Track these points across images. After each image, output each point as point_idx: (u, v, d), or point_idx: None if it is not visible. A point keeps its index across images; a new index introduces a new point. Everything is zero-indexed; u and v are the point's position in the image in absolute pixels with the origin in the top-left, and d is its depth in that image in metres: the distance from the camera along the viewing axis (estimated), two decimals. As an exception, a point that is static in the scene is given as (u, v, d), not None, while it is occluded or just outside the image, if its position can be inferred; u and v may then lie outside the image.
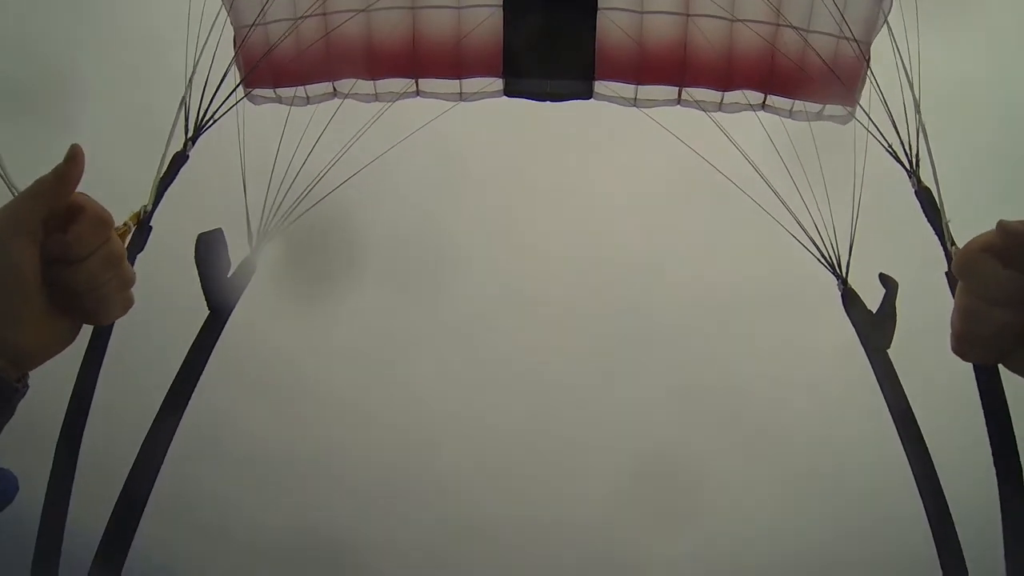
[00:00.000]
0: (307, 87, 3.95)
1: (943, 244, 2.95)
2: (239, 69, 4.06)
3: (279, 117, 3.99)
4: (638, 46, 4.49)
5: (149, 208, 3.11)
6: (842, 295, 3.40)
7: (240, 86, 4.01)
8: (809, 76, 4.49)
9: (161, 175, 3.23)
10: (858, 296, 3.32)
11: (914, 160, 3.49)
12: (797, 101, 4.70)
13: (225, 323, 3.13)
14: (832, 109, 4.74)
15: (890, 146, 3.65)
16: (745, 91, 4.78)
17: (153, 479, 2.75)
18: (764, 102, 4.78)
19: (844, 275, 3.51)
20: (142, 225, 3.06)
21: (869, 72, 4.40)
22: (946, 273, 2.84)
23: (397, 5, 3.93)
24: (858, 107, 4.43)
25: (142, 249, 2.98)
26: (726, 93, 4.82)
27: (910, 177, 3.45)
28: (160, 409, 2.89)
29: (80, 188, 1.06)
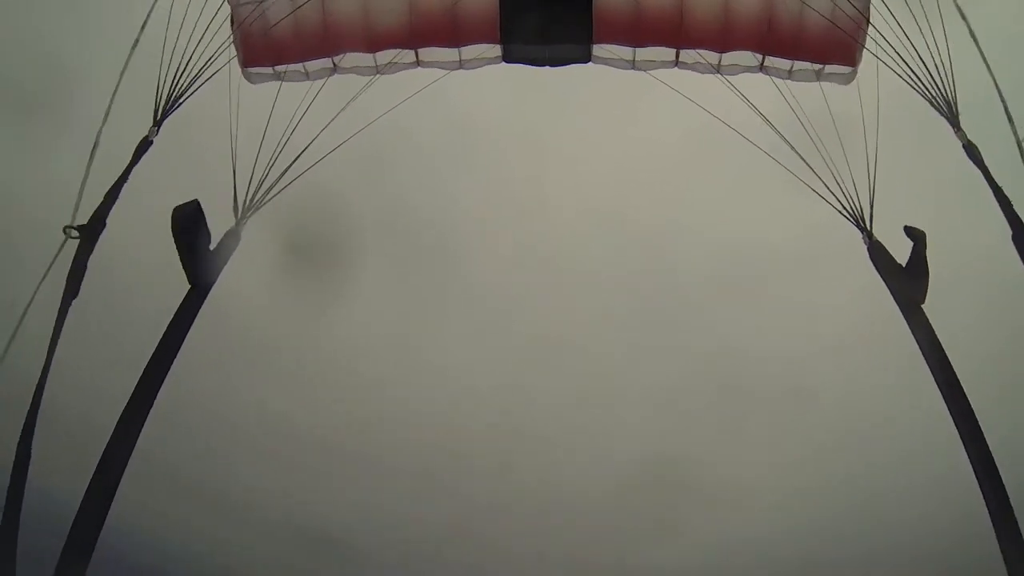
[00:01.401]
0: (306, 63, 3.93)
1: (999, 200, 2.94)
2: (236, 48, 4.04)
3: (267, 89, 3.97)
4: (635, 8, 4.47)
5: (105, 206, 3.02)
6: (868, 249, 3.35)
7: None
8: (807, 36, 4.43)
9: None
10: (885, 249, 3.27)
11: (956, 111, 3.47)
12: (796, 62, 4.66)
13: (205, 297, 3.08)
14: (832, 68, 4.68)
15: (934, 99, 3.60)
16: (743, 52, 4.75)
17: (127, 456, 2.68)
18: (763, 64, 4.74)
19: (869, 227, 3.46)
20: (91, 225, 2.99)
21: (917, 27, 4.32)
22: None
23: (392, -25, 3.91)
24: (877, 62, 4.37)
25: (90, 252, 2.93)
26: (724, 54, 4.79)
27: (956, 131, 3.41)
28: (137, 385, 2.81)
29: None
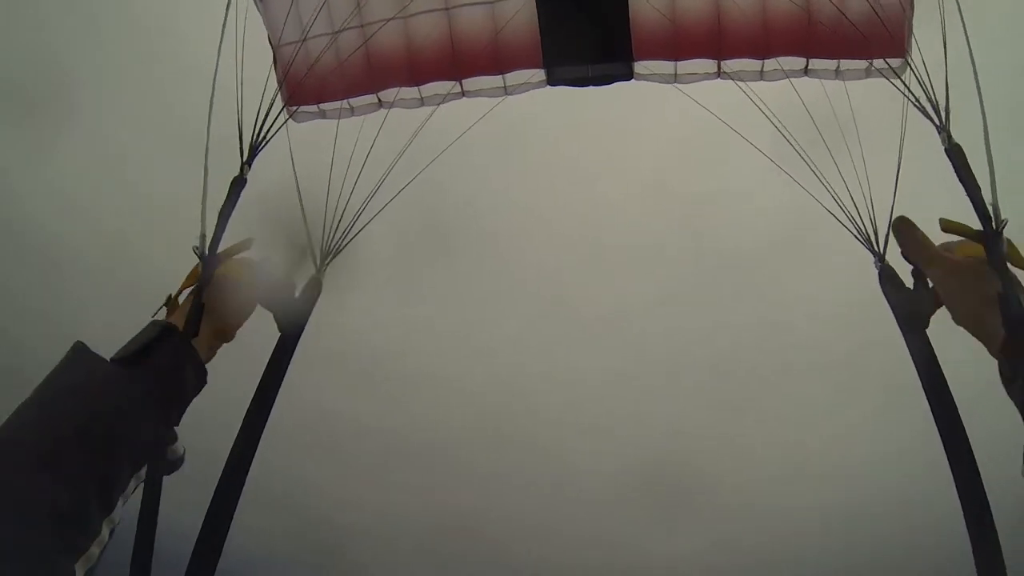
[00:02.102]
0: (351, 100, 3.95)
1: (976, 207, 2.66)
2: (280, 88, 4.07)
3: (323, 133, 3.99)
4: (672, 22, 4.42)
5: (208, 244, 3.02)
6: (879, 273, 3.08)
7: (284, 104, 4.00)
8: (851, 31, 4.29)
9: (221, 204, 3.14)
10: (896, 275, 3.00)
11: (944, 115, 3.22)
12: (843, 60, 4.52)
13: (296, 344, 3.09)
14: (880, 63, 4.51)
15: (917, 100, 3.41)
16: (786, 57, 4.64)
17: (239, 492, 2.70)
18: (807, 67, 4.62)
19: (883, 252, 3.22)
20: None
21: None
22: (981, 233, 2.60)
23: (431, 8, 3.92)
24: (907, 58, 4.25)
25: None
26: (766, 61, 4.70)
27: (940, 133, 3.15)
28: (240, 430, 2.84)
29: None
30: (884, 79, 4.03)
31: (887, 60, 4.34)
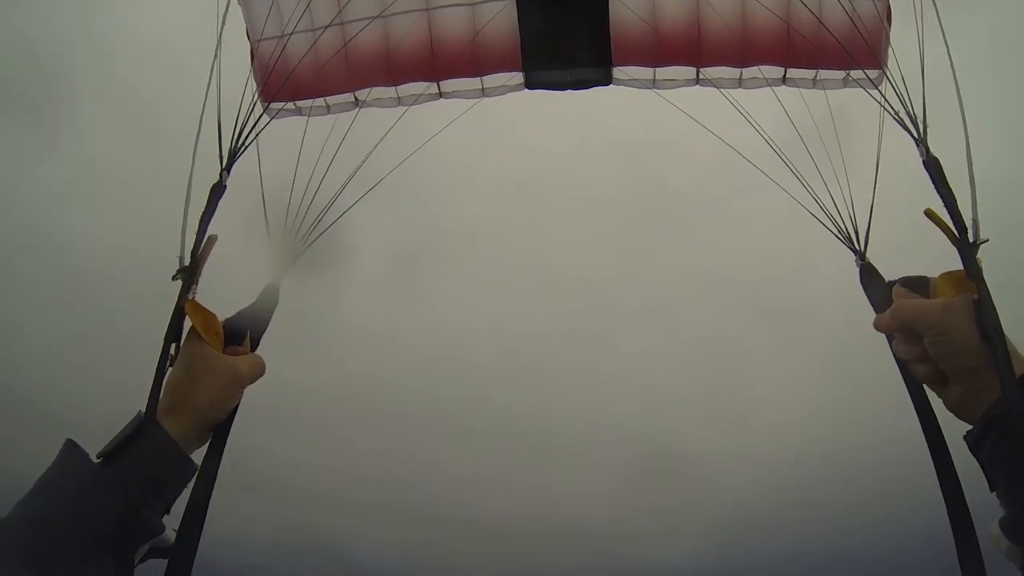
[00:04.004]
0: (327, 98, 3.94)
1: (953, 219, 2.64)
2: (256, 84, 4.05)
3: (290, 132, 3.95)
4: (652, 29, 4.45)
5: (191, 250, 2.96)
6: (860, 271, 3.06)
7: (259, 103, 3.98)
8: (828, 42, 4.34)
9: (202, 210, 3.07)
10: (878, 272, 2.98)
11: (922, 127, 3.23)
12: (820, 70, 4.57)
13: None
14: (858, 73, 4.55)
15: (896, 113, 3.42)
16: (764, 66, 4.70)
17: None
18: (784, 76, 4.68)
19: (863, 248, 3.22)
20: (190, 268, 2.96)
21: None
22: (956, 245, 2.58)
23: (411, 8, 3.92)
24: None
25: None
26: (744, 69, 4.74)
27: (918, 146, 3.15)
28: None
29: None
30: (867, 92, 4.07)
31: (864, 71, 4.41)
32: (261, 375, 2.59)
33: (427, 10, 3.94)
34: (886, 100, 3.65)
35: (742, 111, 4.45)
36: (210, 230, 2.96)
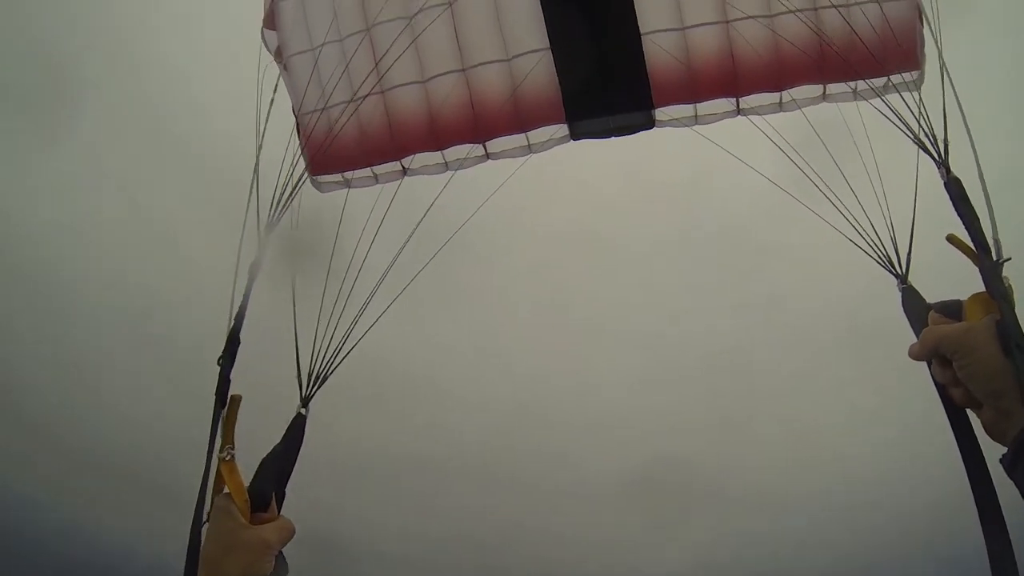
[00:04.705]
0: (374, 167, 3.95)
1: (974, 239, 2.65)
2: (304, 158, 4.09)
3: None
4: (686, 66, 4.41)
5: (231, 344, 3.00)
6: (902, 296, 2.99)
7: (309, 174, 4.01)
8: (863, 52, 4.26)
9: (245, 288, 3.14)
10: (920, 296, 2.94)
11: (943, 148, 3.20)
12: (859, 81, 4.48)
13: None
14: (897, 78, 4.45)
15: (916, 136, 3.38)
16: (803, 86, 4.62)
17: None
18: (824, 92, 4.60)
19: (904, 271, 3.15)
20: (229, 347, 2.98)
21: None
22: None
23: (449, 69, 3.93)
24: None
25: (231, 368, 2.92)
26: (783, 92, 4.67)
27: (938, 167, 3.13)
28: None
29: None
30: (884, 115, 3.99)
31: (903, 74, 4.32)
32: (290, 540, 2.62)
33: (464, 70, 3.94)
34: (902, 121, 3.59)
35: (773, 139, 4.39)
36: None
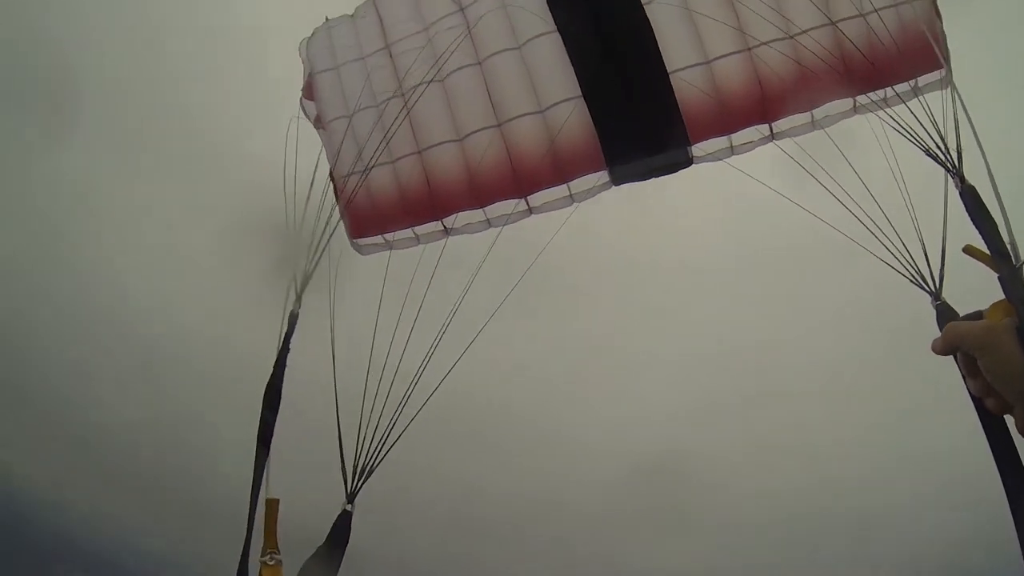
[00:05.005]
0: (415, 228, 3.97)
1: (990, 247, 2.68)
2: (343, 221, 4.12)
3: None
4: (717, 100, 4.39)
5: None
6: (937, 313, 2.95)
7: (350, 238, 4.04)
8: (886, 57, 4.22)
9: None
10: (955, 312, 2.92)
11: (956, 157, 3.19)
12: (887, 89, 4.42)
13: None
14: (924, 79, 4.39)
15: (928, 149, 3.37)
16: (832, 103, 4.58)
17: None
18: (855, 105, 4.55)
19: (938, 288, 3.10)
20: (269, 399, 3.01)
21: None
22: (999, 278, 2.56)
23: (484, 125, 3.95)
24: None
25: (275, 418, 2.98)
26: (814, 111, 4.64)
27: (952, 177, 3.14)
28: None
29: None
30: (901, 134, 3.96)
31: (928, 74, 4.26)
32: None
33: (499, 125, 3.96)
34: (915, 137, 3.55)
35: (804, 167, 4.34)
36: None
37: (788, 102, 4.49)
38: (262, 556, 2.65)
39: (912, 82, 4.28)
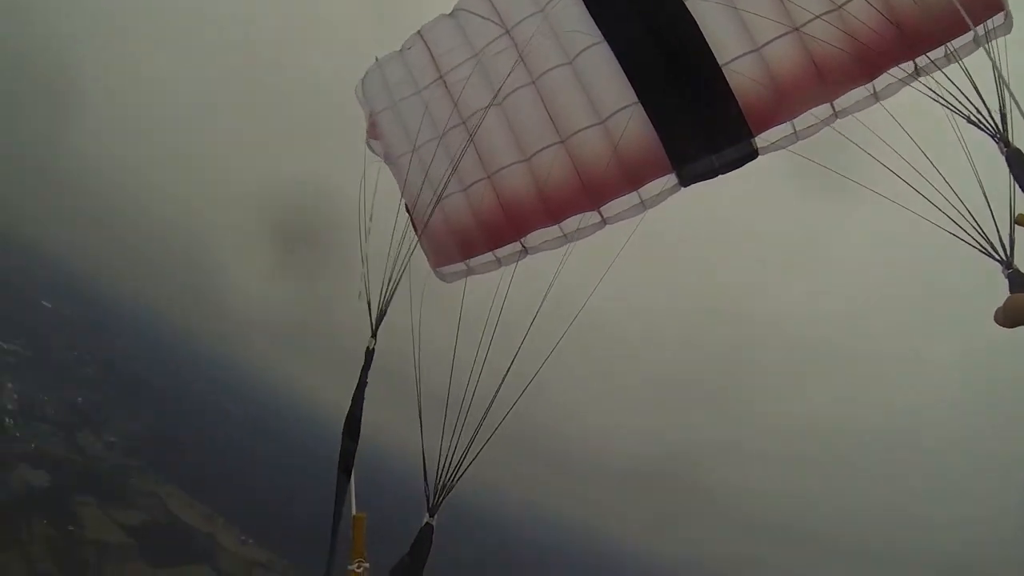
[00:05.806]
0: (495, 251, 4.07)
1: None
2: (425, 252, 4.25)
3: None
4: (773, 88, 4.34)
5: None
6: (1009, 280, 2.93)
7: (432, 267, 4.18)
8: (941, 11, 4.08)
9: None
10: None
11: (1000, 121, 3.16)
12: (947, 45, 4.27)
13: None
14: (982, 28, 4.21)
15: (970, 115, 3.36)
16: (892, 71, 4.44)
17: None
18: (916, 68, 4.39)
19: (1010, 257, 3.06)
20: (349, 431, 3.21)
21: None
22: None
23: (547, 143, 4.01)
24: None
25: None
26: (875, 82, 4.51)
27: (997, 142, 3.11)
28: None
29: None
30: (938, 103, 3.86)
31: (990, 21, 4.09)
32: None
33: (563, 140, 4.02)
34: (956, 102, 3.43)
35: (868, 152, 4.25)
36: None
37: (847, 75, 4.39)
38: (351, 565, 2.87)
39: (972, 33, 4.12)
